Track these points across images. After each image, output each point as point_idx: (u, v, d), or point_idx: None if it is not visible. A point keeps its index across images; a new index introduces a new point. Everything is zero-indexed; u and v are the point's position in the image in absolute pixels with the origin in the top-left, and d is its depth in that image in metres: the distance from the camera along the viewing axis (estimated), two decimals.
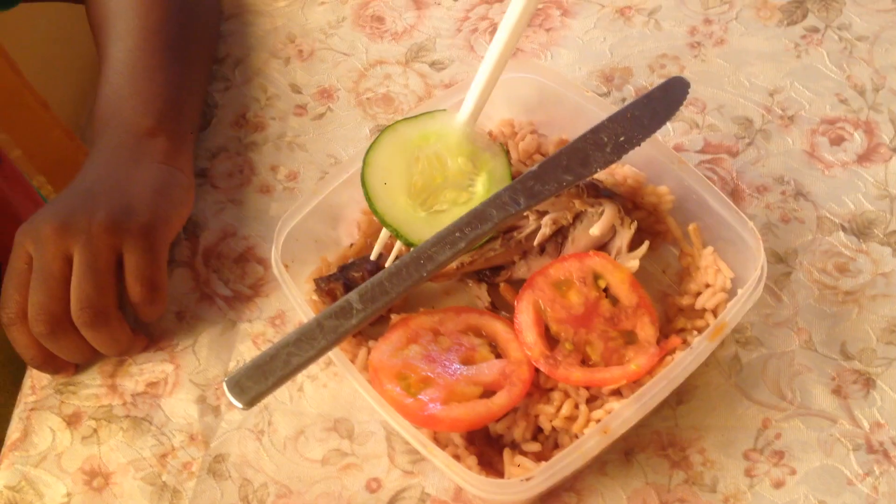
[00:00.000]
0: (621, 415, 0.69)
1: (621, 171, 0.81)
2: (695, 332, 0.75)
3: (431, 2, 1.01)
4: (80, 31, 1.05)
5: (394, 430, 0.76)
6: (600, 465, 0.75)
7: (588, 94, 0.82)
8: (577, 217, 0.79)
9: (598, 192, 0.79)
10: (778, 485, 0.73)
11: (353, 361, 0.75)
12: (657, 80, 0.80)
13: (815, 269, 0.81)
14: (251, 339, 0.84)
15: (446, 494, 0.75)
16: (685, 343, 0.74)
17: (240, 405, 0.66)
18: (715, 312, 0.76)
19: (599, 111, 0.79)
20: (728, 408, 0.76)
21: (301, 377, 0.80)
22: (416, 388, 0.72)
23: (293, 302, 0.76)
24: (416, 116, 0.81)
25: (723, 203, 0.76)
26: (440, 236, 0.72)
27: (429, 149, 0.80)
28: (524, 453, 0.72)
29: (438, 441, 0.72)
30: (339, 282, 0.80)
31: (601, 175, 0.80)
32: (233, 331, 0.84)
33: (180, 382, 0.82)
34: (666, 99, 0.77)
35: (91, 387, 0.83)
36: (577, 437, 0.71)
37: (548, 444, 0.73)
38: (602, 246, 0.79)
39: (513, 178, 0.79)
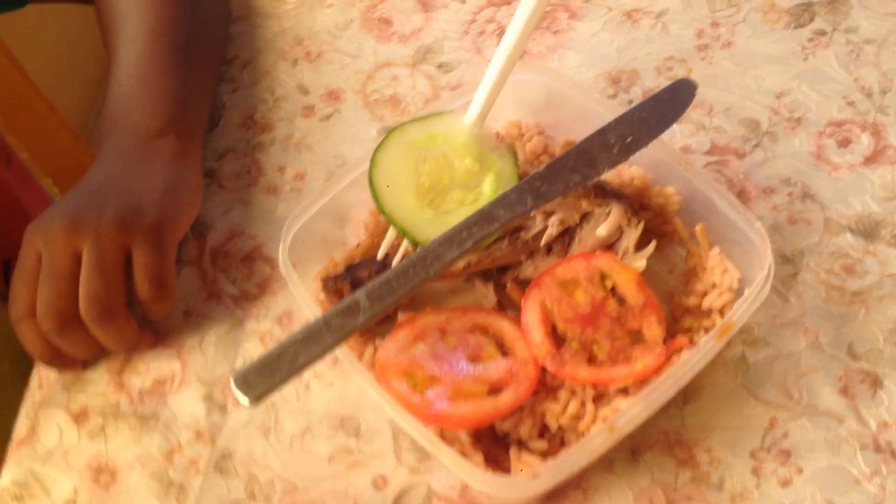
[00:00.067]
0: (628, 413, 0.69)
1: (628, 172, 0.82)
2: (701, 332, 0.75)
3: (439, 4, 1.02)
4: (87, 34, 1.06)
5: (400, 428, 0.76)
6: (607, 464, 0.75)
7: (595, 96, 0.83)
8: (584, 217, 0.79)
9: (606, 193, 0.79)
10: (785, 484, 0.73)
11: (359, 359, 0.75)
12: (664, 83, 0.80)
13: (822, 271, 0.81)
14: (258, 337, 0.84)
15: (453, 492, 0.75)
16: (692, 343, 0.74)
17: (247, 401, 0.66)
18: (722, 312, 0.75)
19: (606, 113, 0.79)
20: (735, 407, 0.76)
21: (307, 375, 0.80)
22: (422, 385, 0.72)
23: (300, 301, 0.77)
24: (423, 117, 0.81)
25: (730, 203, 0.76)
26: (447, 236, 0.73)
27: (436, 149, 0.80)
28: (530, 451, 0.72)
29: (445, 439, 0.72)
30: (346, 281, 0.80)
31: (608, 176, 0.80)
32: (240, 329, 0.85)
33: (187, 380, 0.82)
34: (673, 100, 0.77)
35: (98, 384, 0.83)
36: (583, 435, 0.71)
37: (554, 442, 0.73)
38: (609, 246, 0.79)
39: (520, 179, 0.79)
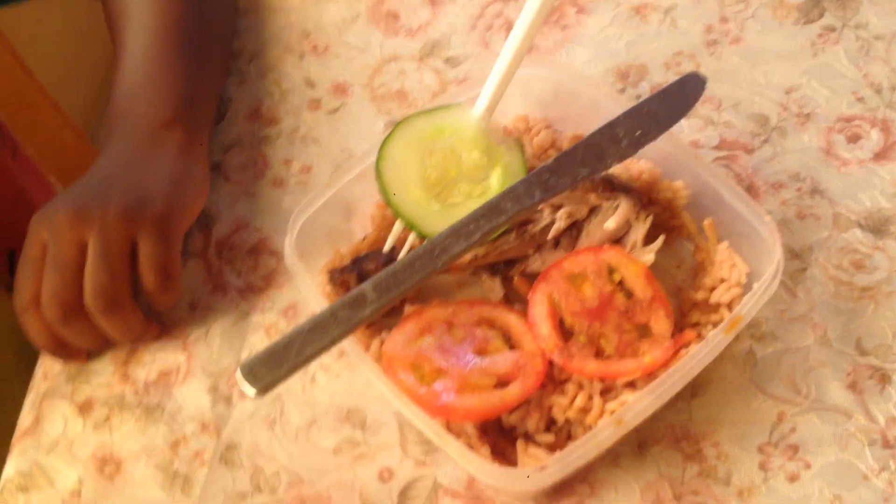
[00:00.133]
0: (636, 406, 0.69)
1: (637, 166, 0.81)
2: (709, 327, 0.75)
3: None
4: (91, 31, 1.05)
5: (406, 421, 0.76)
6: (613, 458, 0.74)
7: (604, 89, 0.82)
8: (593, 211, 0.79)
9: (614, 187, 0.79)
10: (793, 479, 0.72)
11: (366, 351, 0.75)
12: (673, 78, 0.80)
13: (830, 266, 0.80)
14: (263, 329, 0.84)
15: (458, 485, 0.75)
16: (700, 337, 0.74)
17: (253, 392, 0.66)
18: (730, 307, 0.75)
19: (615, 107, 0.78)
20: (743, 402, 0.76)
21: (313, 367, 0.80)
22: (429, 377, 0.71)
23: (306, 293, 0.76)
24: (431, 110, 0.81)
25: (739, 197, 0.76)
26: (455, 228, 0.72)
27: (444, 142, 0.80)
28: (537, 444, 0.72)
29: (451, 431, 0.71)
30: (352, 273, 0.80)
31: (616, 169, 0.80)
32: (245, 321, 0.84)
33: (192, 372, 0.82)
34: (682, 94, 0.77)
35: (103, 375, 0.83)
36: (590, 428, 0.71)
37: (561, 435, 0.73)
38: (617, 240, 0.79)
39: (527, 172, 0.79)
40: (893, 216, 0.82)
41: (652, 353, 0.72)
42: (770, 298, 0.72)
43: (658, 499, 0.73)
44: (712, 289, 0.77)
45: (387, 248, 0.80)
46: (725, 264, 0.77)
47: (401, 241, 0.80)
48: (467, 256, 0.78)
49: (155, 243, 0.80)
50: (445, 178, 0.79)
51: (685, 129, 0.88)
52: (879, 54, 0.90)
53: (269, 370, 0.67)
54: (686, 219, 0.80)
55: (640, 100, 0.77)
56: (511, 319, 0.76)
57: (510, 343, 0.75)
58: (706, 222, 0.78)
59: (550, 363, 0.73)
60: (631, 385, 0.72)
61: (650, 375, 0.71)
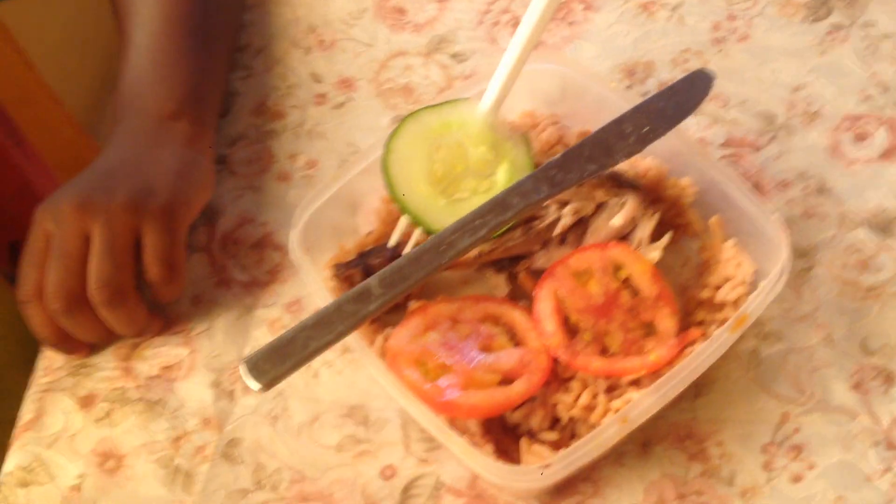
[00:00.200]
0: (641, 404, 0.68)
1: (643, 163, 0.81)
2: (714, 325, 0.75)
3: None
4: (92, 25, 1.05)
5: (410, 418, 0.76)
6: (617, 457, 0.74)
7: (612, 84, 0.82)
8: (599, 207, 0.79)
9: (621, 183, 0.79)
10: (796, 479, 0.72)
11: (370, 346, 0.75)
12: (680, 75, 0.79)
13: (836, 265, 0.80)
14: (267, 325, 0.83)
15: (461, 483, 0.75)
16: (704, 336, 0.74)
17: (258, 387, 0.66)
18: (736, 305, 0.75)
19: (623, 103, 0.78)
20: (747, 401, 0.75)
21: (317, 363, 0.80)
22: (434, 374, 0.71)
23: (311, 287, 0.76)
24: (438, 105, 0.81)
25: (746, 195, 0.76)
26: (461, 223, 0.72)
27: (450, 137, 0.80)
28: (541, 442, 0.72)
29: (455, 429, 0.71)
30: (357, 268, 0.79)
31: (623, 166, 0.79)
32: (249, 316, 0.84)
33: (195, 367, 0.82)
34: (690, 91, 0.77)
35: (105, 369, 0.82)
36: (594, 427, 0.71)
37: (565, 433, 0.73)
38: (623, 237, 0.79)
39: (534, 168, 0.79)
40: None
41: (657, 351, 0.72)
42: (775, 297, 0.72)
43: (661, 498, 0.73)
44: (718, 287, 0.77)
45: (392, 243, 0.80)
46: (731, 262, 0.77)
47: (406, 236, 0.80)
48: (473, 252, 0.78)
49: (160, 235, 0.80)
50: (452, 173, 0.79)
51: (692, 126, 0.88)
52: (887, 53, 0.90)
53: (274, 365, 0.67)
54: (692, 216, 0.80)
55: (648, 96, 0.77)
56: (516, 316, 0.76)
57: (515, 340, 0.75)
58: (713, 220, 0.78)
59: (555, 360, 0.73)
60: (635, 383, 0.72)
61: (655, 374, 0.71)
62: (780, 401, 0.75)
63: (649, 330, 0.74)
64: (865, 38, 0.91)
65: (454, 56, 0.97)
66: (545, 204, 0.78)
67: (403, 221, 0.79)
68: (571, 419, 0.72)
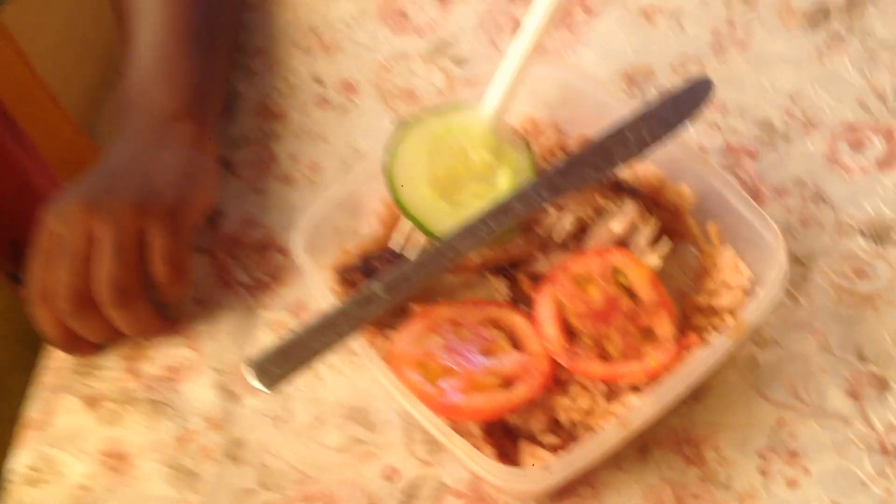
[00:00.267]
0: (640, 409, 0.69)
1: (643, 169, 0.82)
2: (711, 331, 0.76)
3: None
4: (91, 26, 1.05)
5: (412, 420, 0.76)
6: (616, 460, 0.75)
7: (612, 90, 0.83)
8: (599, 213, 0.80)
9: (621, 189, 0.80)
10: (792, 484, 0.73)
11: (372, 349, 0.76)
12: (679, 81, 0.80)
13: (832, 273, 0.81)
14: (270, 326, 0.84)
15: (463, 485, 0.76)
16: (702, 341, 0.74)
17: (262, 388, 0.67)
18: (732, 312, 0.76)
19: (623, 109, 0.79)
20: (744, 406, 0.76)
21: (320, 365, 0.81)
22: (435, 376, 0.72)
23: (315, 290, 0.77)
24: (440, 109, 0.81)
25: (744, 202, 0.76)
26: (464, 227, 0.73)
27: (453, 141, 0.80)
28: (541, 446, 0.73)
29: (457, 431, 0.72)
30: (360, 271, 0.80)
31: (623, 172, 0.80)
32: (252, 318, 0.85)
33: (199, 368, 0.83)
34: (690, 98, 0.78)
35: (111, 370, 0.83)
36: (594, 430, 0.72)
37: (565, 437, 0.73)
38: (623, 243, 0.79)
39: (535, 173, 0.79)
40: (895, 224, 0.82)
41: (656, 356, 0.73)
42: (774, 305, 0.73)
43: (660, 502, 0.74)
44: (715, 293, 0.77)
45: (394, 246, 0.81)
46: (729, 269, 0.78)
47: (409, 240, 0.81)
48: (474, 257, 0.79)
49: (165, 235, 0.80)
50: (454, 176, 0.79)
51: (691, 133, 0.89)
52: (885, 62, 0.91)
53: (278, 366, 0.68)
54: (691, 223, 0.81)
55: (648, 103, 0.78)
56: (517, 320, 0.76)
57: (515, 344, 0.75)
58: (711, 227, 0.79)
59: (555, 364, 0.73)
60: (635, 388, 0.73)
61: (653, 379, 0.72)
62: (777, 406, 0.76)
63: (648, 335, 0.75)
64: (863, 46, 0.92)
65: (456, 60, 0.97)
66: (546, 209, 0.79)
67: (406, 224, 0.80)
68: (571, 423, 0.73)
